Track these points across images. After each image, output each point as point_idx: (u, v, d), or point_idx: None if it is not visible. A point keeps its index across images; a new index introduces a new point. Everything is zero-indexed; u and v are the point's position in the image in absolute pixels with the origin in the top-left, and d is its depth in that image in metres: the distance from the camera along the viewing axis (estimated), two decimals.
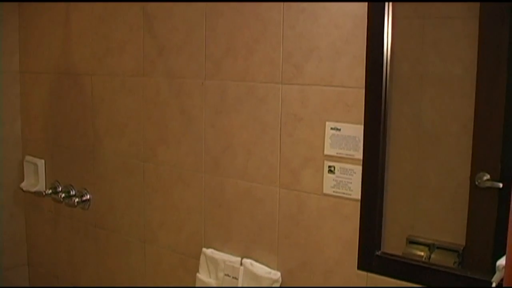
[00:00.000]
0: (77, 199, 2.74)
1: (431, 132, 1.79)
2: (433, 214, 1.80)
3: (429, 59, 1.76)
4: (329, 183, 1.89)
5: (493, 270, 1.26)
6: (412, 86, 1.79)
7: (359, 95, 1.79)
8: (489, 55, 1.65)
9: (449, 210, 1.77)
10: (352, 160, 1.84)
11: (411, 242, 1.80)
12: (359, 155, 1.82)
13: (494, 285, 1.27)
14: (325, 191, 1.91)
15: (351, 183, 1.85)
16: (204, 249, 2.21)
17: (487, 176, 1.62)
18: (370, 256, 1.82)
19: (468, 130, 1.67)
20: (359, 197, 1.82)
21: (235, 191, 2.14)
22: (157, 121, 2.38)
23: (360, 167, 1.81)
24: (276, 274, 2.03)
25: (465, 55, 1.68)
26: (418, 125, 1.82)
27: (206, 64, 2.19)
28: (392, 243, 1.81)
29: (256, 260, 2.09)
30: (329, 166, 1.89)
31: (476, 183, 1.64)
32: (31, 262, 3.19)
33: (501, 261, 1.25)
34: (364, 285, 1.86)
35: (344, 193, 1.87)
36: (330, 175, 1.89)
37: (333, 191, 1.89)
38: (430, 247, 1.76)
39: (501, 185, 1.61)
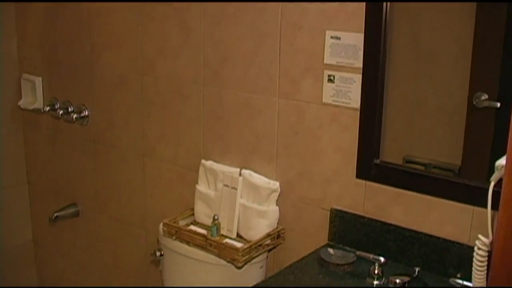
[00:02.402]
0: (75, 115, 2.74)
1: (430, 52, 1.78)
2: (430, 134, 1.80)
3: None
4: (328, 92, 1.89)
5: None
6: (412, 5, 1.76)
7: (360, 3, 1.76)
8: None
9: (446, 130, 1.77)
10: (352, 69, 1.83)
11: (408, 162, 1.81)
12: (359, 63, 1.81)
13: (492, 184, 1.28)
14: (324, 100, 1.90)
15: (350, 92, 1.84)
16: (203, 161, 2.22)
17: (485, 96, 1.62)
18: (369, 164, 1.84)
19: (467, 50, 1.65)
20: (359, 106, 1.83)
21: (234, 102, 2.14)
22: (155, 34, 2.35)
23: (360, 76, 1.81)
24: (275, 184, 2.04)
25: None
26: (417, 45, 1.80)
27: None
28: None
29: (255, 171, 2.11)
30: (329, 75, 1.88)
31: (474, 103, 1.64)
32: (31, 180, 3.21)
33: (501, 161, 1.26)
34: (363, 194, 1.88)
35: (343, 102, 1.86)
36: (330, 84, 1.88)
37: (333, 100, 1.88)
38: (427, 166, 1.77)
39: (498, 105, 1.61)
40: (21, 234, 3.27)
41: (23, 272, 3.31)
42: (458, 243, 1.70)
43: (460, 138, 1.71)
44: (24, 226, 3.27)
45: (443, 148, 1.79)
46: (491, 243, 1.30)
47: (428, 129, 1.81)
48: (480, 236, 1.32)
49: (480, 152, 1.72)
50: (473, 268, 1.38)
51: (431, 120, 1.80)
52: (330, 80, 1.88)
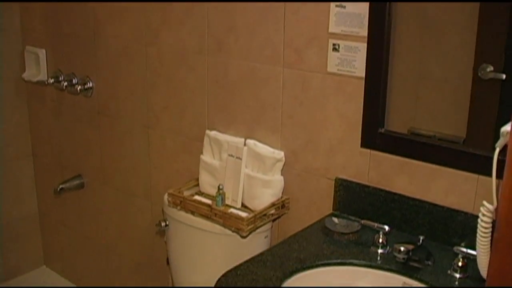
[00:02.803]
0: (79, 87, 2.73)
1: (436, 23, 1.76)
2: (435, 106, 1.80)
3: None
4: (333, 61, 1.88)
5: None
6: None
7: None
8: None
9: (451, 102, 1.76)
10: (356, 38, 1.82)
11: (413, 134, 1.80)
12: (364, 32, 1.79)
13: (497, 150, 1.28)
14: (329, 69, 1.90)
15: (355, 61, 1.83)
16: (207, 131, 2.22)
17: (491, 68, 1.61)
18: (374, 133, 1.84)
19: (473, 22, 1.64)
20: (363, 75, 1.82)
21: (239, 72, 2.13)
22: (159, 4, 2.34)
23: (365, 45, 1.80)
24: (279, 154, 2.04)
25: None
26: (423, 15, 1.78)
27: None
28: None
29: (260, 141, 2.11)
30: (334, 44, 1.87)
31: (479, 74, 1.63)
32: (36, 152, 3.22)
33: (506, 127, 1.25)
34: (367, 164, 1.88)
35: (348, 71, 1.86)
36: (335, 53, 1.87)
37: (337, 69, 1.88)
38: (431, 139, 1.76)
39: (504, 76, 1.60)
40: (26, 206, 3.28)
41: (28, 244, 3.34)
42: (463, 212, 1.70)
43: (465, 110, 1.71)
44: (29, 199, 3.29)
45: (448, 120, 1.79)
46: (496, 210, 1.30)
47: (433, 101, 1.81)
48: (484, 202, 1.32)
49: (485, 124, 1.72)
50: (477, 236, 1.38)
51: (436, 92, 1.79)
52: (335, 49, 1.87)
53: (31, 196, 3.30)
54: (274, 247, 1.78)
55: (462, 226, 1.70)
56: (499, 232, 0.86)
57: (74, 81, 2.81)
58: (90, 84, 2.74)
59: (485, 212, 1.33)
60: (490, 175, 1.27)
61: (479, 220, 1.35)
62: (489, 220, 1.34)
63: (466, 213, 1.70)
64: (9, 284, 3.26)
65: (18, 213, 3.25)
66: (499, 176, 1.03)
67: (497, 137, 1.26)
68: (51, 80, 2.85)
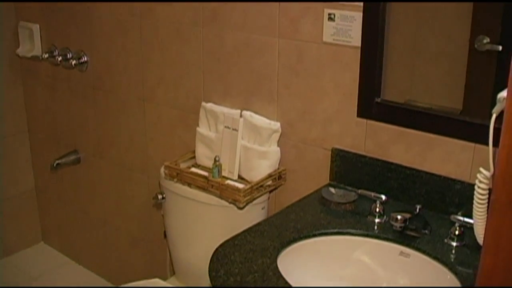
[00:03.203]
0: (74, 62, 2.71)
1: None
2: (431, 78, 1.79)
3: None
4: (329, 31, 1.87)
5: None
6: None
7: None
8: None
9: (447, 74, 1.76)
10: (352, 7, 1.80)
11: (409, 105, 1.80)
12: (360, 1, 1.78)
13: (494, 116, 1.27)
14: (324, 39, 1.88)
15: (351, 30, 1.82)
16: (203, 103, 2.21)
17: (487, 39, 1.60)
18: (370, 103, 1.83)
19: None
20: (359, 44, 1.81)
21: (234, 43, 2.12)
22: None
23: (361, 14, 1.78)
24: (276, 125, 2.04)
25: None
26: None
27: None
28: None
29: (256, 112, 2.10)
30: (329, 14, 1.85)
31: (475, 46, 1.62)
32: (31, 128, 3.21)
33: (502, 93, 1.24)
34: (364, 133, 1.88)
35: (344, 41, 1.84)
36: (330, 22, 1.86)
37: (333, 39, 1.86)
38: (428, 109, 1.76)
39: (500, 48, 1.59)
40: (23, 182, 3.28)
41: (26, 220, 3.34)
42: (459, 181, 1.70)
43: (461, 82, 1.70)
44: (25, 175, 3.29)
45: (444, 92, 1.78)
46: (492, 177, 1.30)
47: (429, 73, 1.80)
48: (481, 169, 1.32)
49: (481, 96, 1.71)
50: (474, 203, 1.38)
51: (432, 64, 1.79)
52: (330, 19, 1.85)
53: (28, 172, 3.30)
54: (271, 217, 1.78)
55: (459, 195, 1.70)
56: (496, 193, 0.86)
57: (68, 55, 2.79)
58: (85, 59, 2.73)
59: (482, 179, 1.33)
60: (486, 143, 1.27)
61: (475, 187, 1.35)
62: (485, 187, 1.34)
63: (462, 182, 1.70)
64: (8, 261, 3.26)
65: (15, 190, 3.25)
66: (496, 144, 1.03)
67: (493, 107, 1.25)
68: (46, 55, 2.83)
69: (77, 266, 3.25)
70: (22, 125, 3.21)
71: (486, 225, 0.92)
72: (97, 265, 3.13)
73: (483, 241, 0.88)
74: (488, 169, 1.30)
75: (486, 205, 1.37)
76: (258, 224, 1.73)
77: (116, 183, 2.80)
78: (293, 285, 1.44)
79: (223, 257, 1.55)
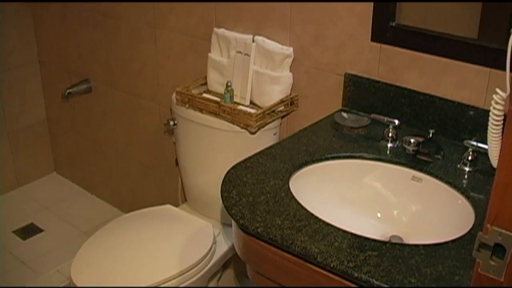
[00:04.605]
0: None
1: None
2: (446, 6, 1.74)
3: None
4: None
5: None
6: None
7: None
8: None
9: (462, 4, 1.71)
10: None
11: None
12: None
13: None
14: None
15: None
16: (215, 29, 2.18)
17: None
18: (385, 27, 1.80)
19: None
20: None
21: None
22: None
23: None
24: (288, 49, 2.01)
25: None
26: None
27: None
28: None
29: (268, 37, 2.07)
30: None
31: None
32: (42, 59, 3.19)
33: None
34: (377, 58, 1.85)
35: None
36: None
37: None
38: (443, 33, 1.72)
39: None
40: (34, 113, 3.29)
41: (38, 151, 3.36)
42: (474, 107, 1.69)
43: (477, 11, 1.67)
44: (37, 106, 3.29)
45: (459, 21, 1.74)
46: (508, 98, 1.28)
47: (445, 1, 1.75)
48: (497, 89, 1.30)
49: (497, 26, 1.68)
50: (488, 126, 1.36)
51: None
52: None
53: (39, 103, 3.30)
54: (283, 141, 1.78)
55: (473, 121, 1.69)
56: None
57: None
58: None
59: (498, 100, 1.31)
60: (502, 68, 1.24)
61: (491, 108, 1.33)
62: (501, 108, 1.32)
63: (477, 108, 1.68)
64: (21, 191, 3.30)
65: (27, 121, 3.26)
66: None
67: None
68: None
69: (89, 195, 3.28)
70: (33, 56, 3.19)
71: (502, 141, 0.91)
72: (109, 194, 3.16)
73: (498, 163, 0.87)
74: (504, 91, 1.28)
75: (501, 127, 1.35)
76: (270, 147, 1.73)
77: (128, 112, 2.80)
78: (304, 206, 1.44)
79: (235, 178, 1.56)
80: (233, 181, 1.54)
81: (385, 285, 1.18)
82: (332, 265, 1.25)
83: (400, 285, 1.17)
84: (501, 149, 0.85)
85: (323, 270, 1.29)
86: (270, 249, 1.38)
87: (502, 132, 1.33)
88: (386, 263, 1.24)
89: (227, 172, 1.58)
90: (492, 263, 0.89)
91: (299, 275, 1.35)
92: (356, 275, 1.22)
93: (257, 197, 1.47)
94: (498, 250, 0.88)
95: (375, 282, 1.19)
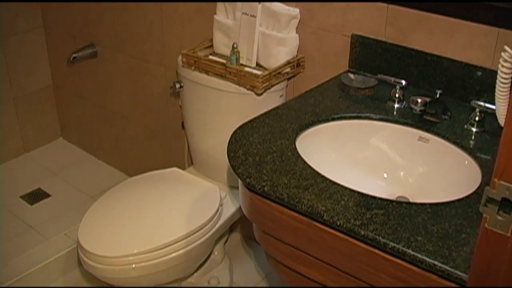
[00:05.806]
0: None
1: None
2: None
3: None
4: None
5: None
6: None
7: None
8: None
9: None
10: None
11: None
12: None
13: None
14: None
15: None
16: None
17: None
18: None
19: None
20: None
21: None
22: None
23: None
24: (294, 11, 1.99)
25: None
26: None
27: None
28: None
29: None
30: None
31: None
32: (47, 23, 3.17)
33: None
34: (384, 19, 1.84)
35: None
36: None
37: None
38: None
39: None
40: (40, 79, 3.28)
41: (44, 116, 3.36)
42: (481, 67, 1.67)
43: None
44: (42, 71, 3.28)
45: None
46: None
47: None
48: (506, 47, 1.29)
49: None
50: (496, 85, 1.36)
51: None
52: None
53: (45, 68, 3.28)
54: (290, 101, 1.77)
55: (480, 81, 1.68)
56: None
57: None
58: None
59: (507, 58, 1.30)
60: (511, 28, 1.23)
61: (499, 66, 1.32)
62: (510, 66, 1.31)
63: (485, 69, 1.67)
64: (28, 156, 3.31)
65: (32, 86, 3.25)
66: None
67: None
68: None
69: (96, 160, 3.29)
70: (38, 21, 3.17)
71: (510, 98, 0.90)
72: (116, 159, 3.17)
73: (506, 115, 0.86)
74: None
75: (509, 86, 1.35)
76: (277, 107, 1.73)
77: (133, 76, 2.79)
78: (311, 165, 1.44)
79: (242, 138, 1.56)
80: (240, 141, 1.54)
81: (392, 243, 1.18)
82: (338, 223, 1.25)
83: (407, 243, 1.18)
84: (509, 104, 0.84)
85: (329, 228, 1.30)
86: (277, 207, 1.39)
87: (510, 90, 1.33)
88: (392, 221, 1.24)
89: (234, 132, 1.58)
90: (499, 218, 0.89)
91: (305, 233, 1.36)
92: (362, 232, 1.22)
93: (263, 157, 1.47)
94: (505, 205, 0.88)
95: (382, 239, 1.19)
